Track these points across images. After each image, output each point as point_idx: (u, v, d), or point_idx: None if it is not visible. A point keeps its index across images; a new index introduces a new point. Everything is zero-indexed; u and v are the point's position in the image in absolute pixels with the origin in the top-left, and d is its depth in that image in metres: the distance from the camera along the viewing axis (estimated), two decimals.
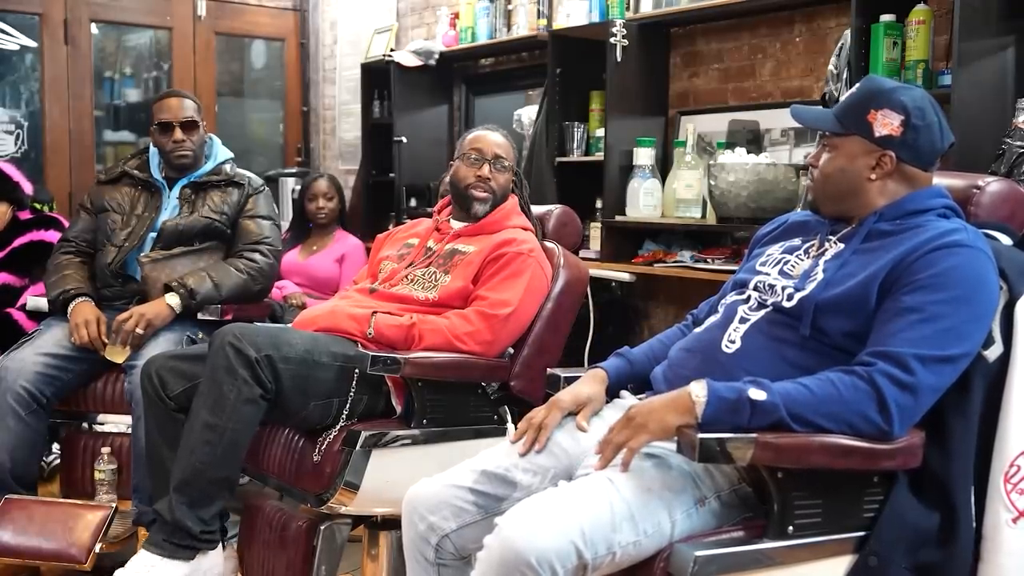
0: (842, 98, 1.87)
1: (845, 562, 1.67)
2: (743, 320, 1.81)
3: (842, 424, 1.57)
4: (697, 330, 1.93)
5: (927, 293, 1.62)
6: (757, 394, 1.56)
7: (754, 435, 1.55)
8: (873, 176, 1.78)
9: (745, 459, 1.55)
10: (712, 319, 1.90)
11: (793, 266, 1.84)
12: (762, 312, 1.79)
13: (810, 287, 1.74)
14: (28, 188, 3.63)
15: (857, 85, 1.85)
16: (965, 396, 1.68)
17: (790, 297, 1.75)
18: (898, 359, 1.58)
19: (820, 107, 1.95)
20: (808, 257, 1.83)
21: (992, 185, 1.90)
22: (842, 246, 1.79)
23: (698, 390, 1.58)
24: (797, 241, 1.90)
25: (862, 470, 1.64)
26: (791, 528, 1.61)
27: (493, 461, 1.87)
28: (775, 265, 1.87)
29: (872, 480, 1.67)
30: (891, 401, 1.56)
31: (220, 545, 2.41)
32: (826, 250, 1.81)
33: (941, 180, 1.96)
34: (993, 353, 1.69)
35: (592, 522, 1.56)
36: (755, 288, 1.85)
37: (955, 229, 1.69)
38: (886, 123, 1.77)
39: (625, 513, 1.59)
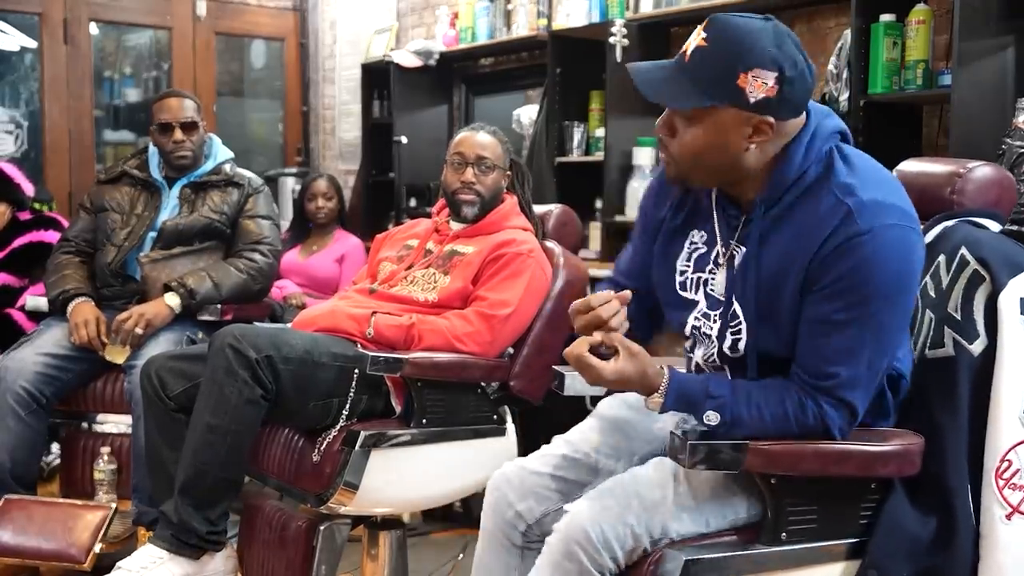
0: (690, 50, 1.56)
1: (839, 568, 1.66)
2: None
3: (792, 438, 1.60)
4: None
5: (837, 297, 1.54)
6: (711, 419, 1.59)
7: (746, 442, 1.56)
8: (752, 146, 1.57)
9: (736, 465, 1.56)
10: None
11: (712, 288, 1.71)
12: (726, 369, 1.73)
13: (742, 331, 1.66)
14: (29, 189, 3.63)
15: (703, 36, 1.55)
16: (953, 394, 1.67)
17: (733, 347, 1.67)
18: (837, 396, 1.57)
19: (656, 64, 1.61)
20: (719, 268, 1.70)
21: (976, 170, 1.83)
22: (741, 254, 1.66)
23: (659, 397, 1.61)
24: (700, 243, 1.74)
25: (857, 477, 1.63)
26: (784, 535, 1.61)
27: (574, 446, 1.88)
28: (697, 290, 1.73)
29: (869, 487, 1.66)
30: (837, 432, 1.59)
31: (224, 547, 2.41)
32: (733, 256, 1.67)
33: (922, 166, 1.91)
34: (978, 347, 1.67)
35: (652, 510, 1.61)
36: (694, 339, 1.78)
37: (847, 214, 1.53)
38: (759, 84, 1.51)
39: (688, 504, 1.63)
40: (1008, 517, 1.64)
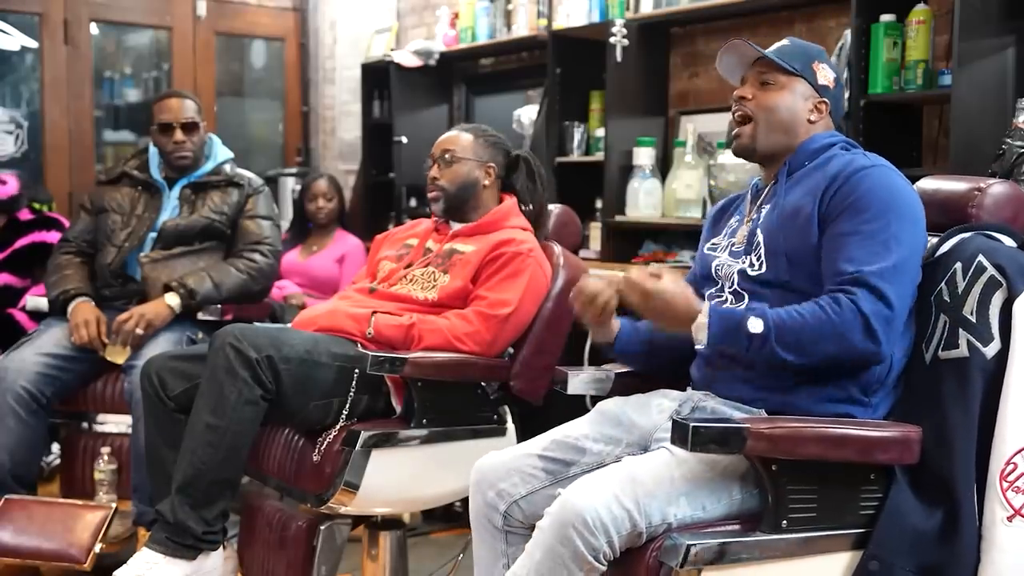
0: (773, 48, 1.98)
1: (843, 559, 1.67)
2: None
3: (832, 347, 1.69)
4: None
5: (855, 215, 1.76)
6: (755, 325, 1.70)
7: (747, 425, 1.58)
8: (812, 118, 1.95)
9: (738, 448, 1.58)
10: None
11: (734, 242, 1.97)
12: (744, 300, 1.86)
13: (762, 255, 1.86)
14: (13, 189, 3.61)
15: (784, 41, 2.00)
16: (965, 393, 1.69)
17: (752, 265, 1.87)
18: (870, 285, 1.69)
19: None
20: (743, 225, 1.97)
21: (994, 187, 1.90)
22: (767, 207, 1.92)
23: (702, 318, 1.72)
24: (733, 222, 2.03)
25: (858, 463, 1.66)
26: (785, 522, 1.62)
27: (564, 431, 1.94)
28: (724, 250, 1.98)
29: (869, 476, 1.68)
30: (879, 328, 1.68)
31: (221, 546, 2.41)
32: (761, 214, 1.93)
33: (940, 183, 1.98)
34: (992, 350, 1.70)
35: (649, 494, 1.63)
36: (720, 277, 1.94)
37: (855, 157, 1.86)
38: (825, 75, 1.97)
39: (684, 489, 1.66)
40: (1009, 519, 1.66)
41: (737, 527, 1.66)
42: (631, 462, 1.71)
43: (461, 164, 2.63)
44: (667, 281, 1.74)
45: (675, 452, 1.68)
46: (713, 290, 1.95)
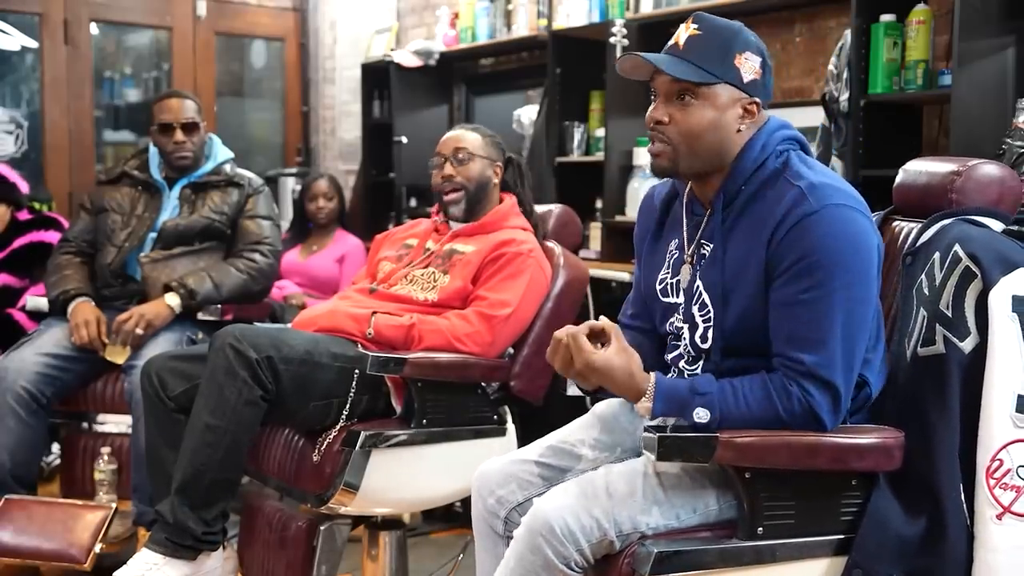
0: (679, 40, 1.68)
1: (823, 565, 1.65)
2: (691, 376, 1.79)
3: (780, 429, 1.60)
4: None
5: (797, 279, 1.59)
6: (700, 416, 1.60)
7: (716, 434, 1.57)
8: (742, 127, 1.68)
9: (707, 458, 1.57)
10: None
11: (683, 292, 1.77)
12: (700, 362, 1.76)
13: (711, 319, 1.71)
14: (25, 188, 3.63)
15: (694, 27, 1.67)
16: (944, 392, 1.65)
17: (703, 336, 1.72)
18: (816, 377, 1.58)
19: (651, 54, 1.69)
20: (685, 264, 1.77)
21: (977, 168, 1.80)
22: (708, 248, 1.73)
23: (647, 401, 1.62)
24: (674, 248, 1.82)
25: (832, 471, 1.63)
26: (760, 529, 1.61)
27: (560, 437, 1.92)
28: (676, 293, 1.79)
29: (850, 483, 1.65)
30: (826, 418, 1.59)
31: (221, 546, 2.41)
32: (701, 259, 1.74)
33: (923, 165, 1.90)
34: (969, 344, 1.65)
35: (620, 503, 1.62)
36: (672, 334, 1.81)
37: (799, 196, 1.61)
38: (750, 67, 1.66)
39: (659, 497, 1.65)
40: (999, 517, 1.62)
41: (710, 534, 1.65)
42: (608, 470, 1.70)
43: (475, 162, 2.62)
44: (612, 352, 1.62)
45: (653, 459, 1.66)
46: (670, 342, 1.83)
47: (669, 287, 1.81)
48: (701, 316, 1.72)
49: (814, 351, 1.58)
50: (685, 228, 1.79)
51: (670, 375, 1.77)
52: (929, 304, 1.72)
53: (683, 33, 1.68)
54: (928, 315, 1.71)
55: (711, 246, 1.72)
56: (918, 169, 1.92)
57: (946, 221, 1.78)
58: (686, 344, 1.77)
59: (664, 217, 1.87)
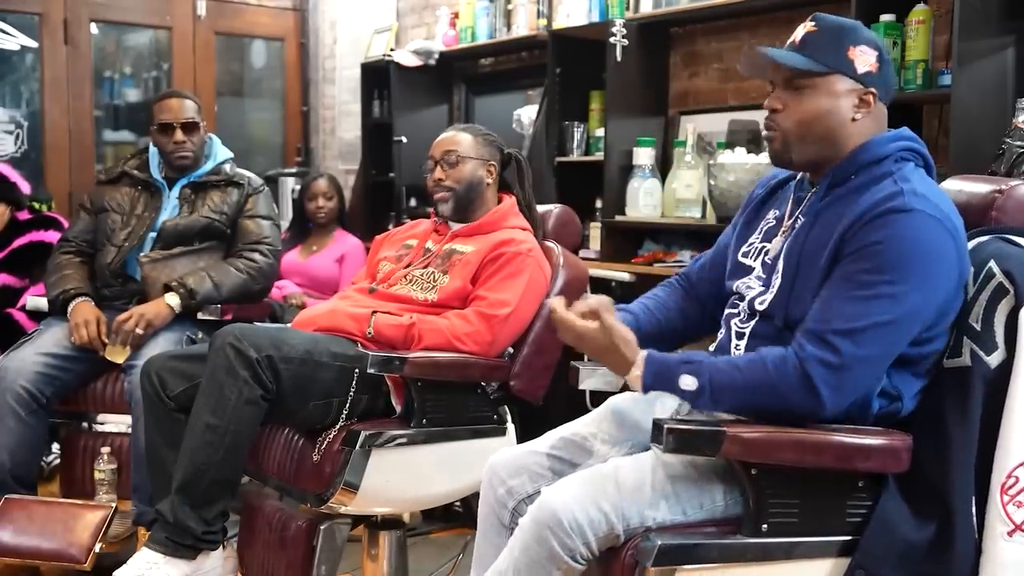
0: (796, 38, 1.76)
1: (827, 565, 1.65)
2: (740, 336, 1.81)
3: (770, 407, 1.61)
4: (712, 351, 1.92)
5: (856, 261, 1.61)
6: (687, 383, 1.62)
7: (723, 428, 1.57)
8: (858, 116, 1.72)
9: (714, 451, 1.57)
10: (720, 337, 1.90)
11: (768, 255, 1.81)
12: (752, 321, 1.79)
13: (775, 286, 1.75)
14: (25, 188, 3.63)
15: (811, 24, 1.75)
16: (966, 403, 1.65)
17: (762, 302, 1.76)
18: (823, 338, 1.58)
19: (771, 49, 1.77)
20: (779, 236, 1.81)
21: (1017, 188, 1.82)
22: (802, 222, 1.76)
23: (636, 370, 1.65)
24: (772, 218, 1.87)
25: (839, 470, 1.63)
26: (765, 526, 1.62)
27: (572, 429, 1.93)
28: (757, 257, 1.84)
29: (856, 484, 1.65)
30: (820, 384, 1.57)
31: (220, 546, 2.41)
32: (794, 231, 1.78)
33: (963, 184, 1.91)
34: (996, 359, 1.64)
35: (629, 497, 1.63)
36: (737, 294, 1.85)
37: (896, 193, 1.63)
38: (865, 60, 1.71)
39: (666, 491, 1.65)
40: (1010, 534, 1.61)
41: (715, 529, 1.66)
42: (616, 463, 1.71)
43: (465, 164, 2.63)
44: (596, 327, 1.66)
45: (661, 454, 1.68)
46: (732, 301, 1.87)
47: (752, 251, 1.86)
48: (768, 282, 1.75)
49: (836, 322, 1.58)
50: (790, 202, 1.83)
51: (720, 333, 1.83)
52: (958, 316, 1.71)
53: (800, 31, 1.75)
54: (957, 328, 1.71)
55: (802, 224, 1.75)
56: (957, 188, 1.92)
57: (983, 238, 1.78)
58: (745, 306, 1.80)
59: (776, 192, 1.92)
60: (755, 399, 1.62)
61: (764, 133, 1.79)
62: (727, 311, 1.87)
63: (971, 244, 1.78)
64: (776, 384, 1.59)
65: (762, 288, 1.78)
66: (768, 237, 1.84)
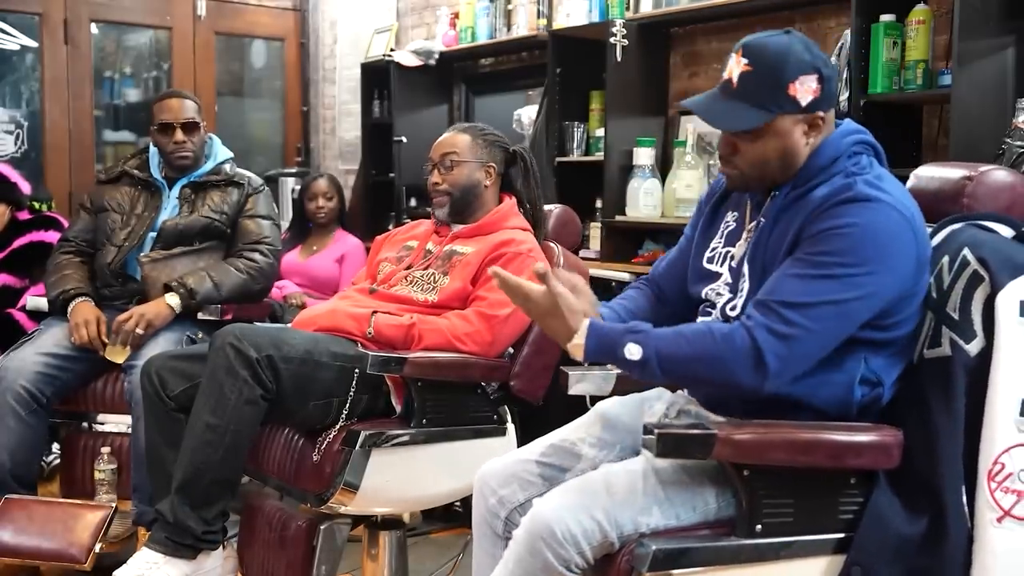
0: (732, 76, 1.70)
1: (822, 563, 1.66)
2: None
3: (716, 376, 1.61)
4: None
5: (812, 246, 1.62)
6: (632, 352, 1.60)
7: (714, 431, 1.57)
8: (810, 139, 1.72)
9: (705, 454, 1.57)
10: None
11: (733, 260, 1.81)
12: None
13: (743, 290, 1.75)
14: (26, 188, 3.63)
15: (744, 62, 1.69)
16: (948, 394, 1.65)
17: (733, 307, 1.76)
18: (773, 309, 1.59)
19: (709, 96, 1.76)
20: (743, 241, 1.81)
21: (988, 174, 1.82)
22: (763, 223, 1.76)
23: (578, 339, 1.62)
24: (732, 221, 1.87)
25: (830, 469, 1.64)
26: (759, 527, 1.62)
27: (561, 435, 1.93)
28: (723, 263, 1.84)
29: (848, 481, 1.66)
30: (767, 352, 1.57)
31: (220, 546, 2.41)
32: (756, 234, 1.78)
33: (934, 171, 1.91)
34: (975, 347, 1.64)
35: (621, 504, 1.63)
36: (708, 302, 1.84)
37: (849, 184, 1.64)
38: (806, 90, 1.68)
39: (658, 496, 1.65)
40: (999, 520, 1.61)
41: (708, 532, 1.65)
42: (607, 470, 1.71)
43: (462, 167, 2.63)
44: (541, 291, 1.64)
45: (651, 459, 1.67)
46: (703, 308, 1.87)
47: (717, 256, 1.85)
48: (736, 287, 1.76)
49: (787, 294, 1.59)
50: (749, 206, 1.83)
51: None
52: (937, 307, 1.72)
53: (735, 68, 1.70)
54: (935, 318, 1.71)
55: (763, 226, 1.76)
56: (929, 175, 1.92)
57: (956, 226, 1.78)
58: (717, 313, 1.79)
59: (730, 193, 1.91)
60: (701, 369, 1.61)
61: (721, 168, 1.79)
62: (700, 319, 1.86)
63: (944, 232, 1.79)
64: (722, 354, 1.59)
65: (731, 295, 1.78)
66: (731, 241, 1.84)
